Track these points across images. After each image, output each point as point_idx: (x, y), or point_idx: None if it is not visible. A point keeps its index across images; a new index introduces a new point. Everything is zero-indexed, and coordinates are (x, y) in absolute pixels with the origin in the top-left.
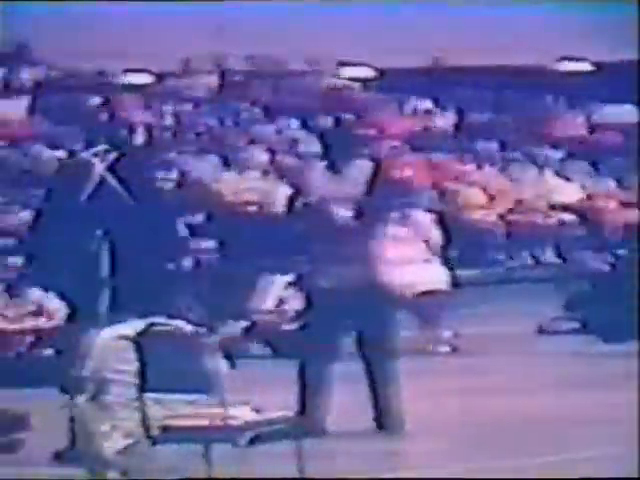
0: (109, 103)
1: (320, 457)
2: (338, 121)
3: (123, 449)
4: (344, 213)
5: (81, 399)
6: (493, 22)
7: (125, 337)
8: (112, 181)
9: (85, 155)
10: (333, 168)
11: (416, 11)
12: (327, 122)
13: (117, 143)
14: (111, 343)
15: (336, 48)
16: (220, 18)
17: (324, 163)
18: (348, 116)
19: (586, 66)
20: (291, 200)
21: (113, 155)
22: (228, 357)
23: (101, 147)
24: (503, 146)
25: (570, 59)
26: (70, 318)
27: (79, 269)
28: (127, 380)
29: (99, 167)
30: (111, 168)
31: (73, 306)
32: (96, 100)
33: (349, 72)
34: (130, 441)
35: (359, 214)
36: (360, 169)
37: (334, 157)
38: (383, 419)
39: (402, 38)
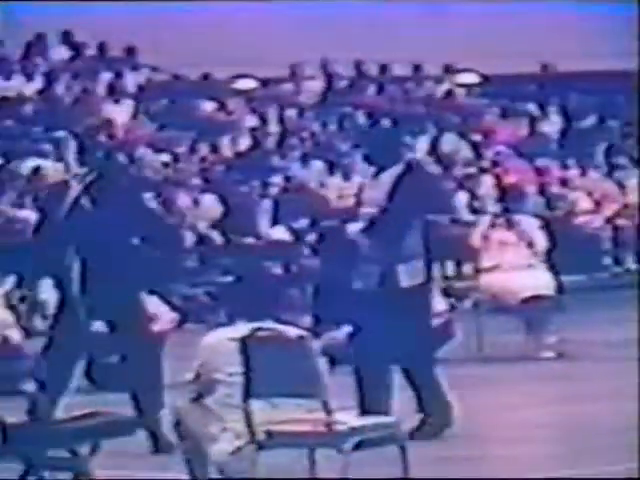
0: (215, 107)
1: (424, 463)
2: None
3: (235, 450)
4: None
5: (185, 401)
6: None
7: (232, 340)
8: None
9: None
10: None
11: (524, 13)
12: (431, 127)
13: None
14: (218, 346)
15: (441, 53)
16: (326, 23)
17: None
18: (454, 121)
19: None
20: None
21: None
22: (332, 362)
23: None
24: (608, 151)
25: None
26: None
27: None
28: (234, 382)
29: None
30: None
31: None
32: (202, 104)
33: (454, 78)
34: (241, 443)
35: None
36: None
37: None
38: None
39: (509, 42)
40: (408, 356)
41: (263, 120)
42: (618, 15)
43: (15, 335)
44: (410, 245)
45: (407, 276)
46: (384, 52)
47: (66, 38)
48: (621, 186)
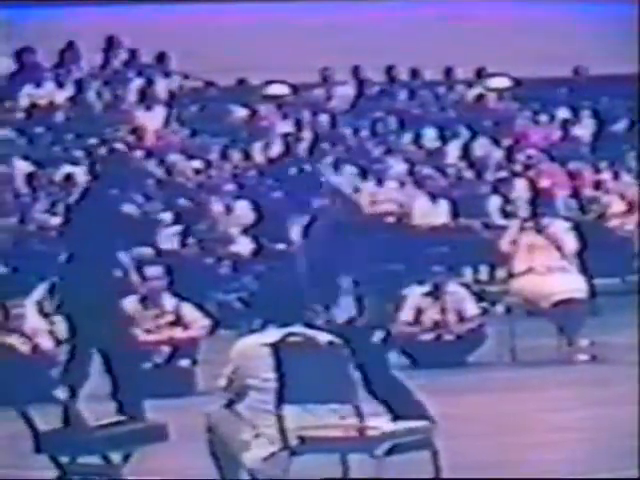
0: (247, 113)
1: (456, 468)
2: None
3: (268, 456)
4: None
5: (218, 407)
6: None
7: (264, 346)
8: None
9: None
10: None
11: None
12: (463, 132)
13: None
14: (250, 351)
15: (472, 58)
16: (356, 29)
17: None
18: (486, 125)
19: None
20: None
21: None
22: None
23: None
24: None
25: None
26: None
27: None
28: (266, 387)
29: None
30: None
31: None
32: (234, 110)
33: (486, 82)
34: (274, 449)
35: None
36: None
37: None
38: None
39: (542, 45)
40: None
41: (295, 126)
42: None
43: (47, 343)
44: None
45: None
46: (415, 57)
47: (97, 44)
48: None
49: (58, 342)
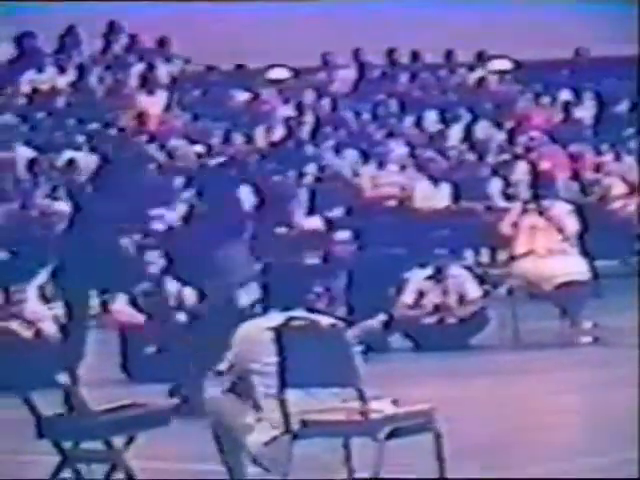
0: (249, 97)
1: (459, 451)
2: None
3: (270, 440)
4: None
5: (219, 391)
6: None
7: (266, 330)
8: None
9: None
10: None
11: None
12: (464, 114)
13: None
14: (252, 336)
15: (473, 40)
16: (357, 12)
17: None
18: (487, 108)
19: None
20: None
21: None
22: (366, 351)
23: None
24: None
25: None
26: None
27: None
28: (268, 371)
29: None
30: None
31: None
32: (235, 94)
33: (487, 64)
34: (276, 433)
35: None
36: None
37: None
38: None
39: (543, 30)
40: None
41: (297, 110)
42: None
43: (50, 328)
44: None
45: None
46: (415, 40)
47: (99, 30)
48: None
49: (61, 327)
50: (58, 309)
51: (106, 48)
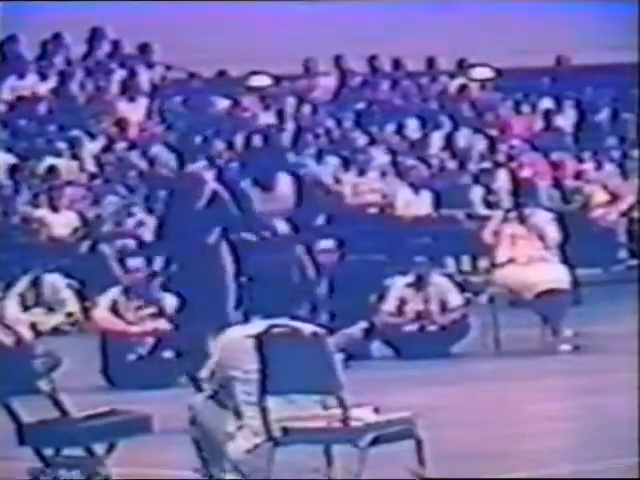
0: (230, 104)
1: (440, 458)
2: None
3: (252, 448)
4: None
5: (200, 398)
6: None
7: (247, 337)
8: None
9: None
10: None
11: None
12: (446, 122)
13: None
14: (234, 343)
15: (455, 48)
16: (338, 20)
17: None
18: (468, 116)
19: None
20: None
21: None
22: (348, 358)
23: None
24: (623, 144)
25: None
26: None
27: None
28: (250, 379)
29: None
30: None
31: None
32: (217, 101)
33: (468, 72)
34: (257, 440)
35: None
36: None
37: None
38: None
39: (524, 38)
40: None
41: (278, 117)
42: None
43: (26, 334)
44: None
45: None
46: (397, 48)
47: (80, 36)
48: (636, 179)
49: (38, 334)
50: (37, 316)
51: (88, 54)
